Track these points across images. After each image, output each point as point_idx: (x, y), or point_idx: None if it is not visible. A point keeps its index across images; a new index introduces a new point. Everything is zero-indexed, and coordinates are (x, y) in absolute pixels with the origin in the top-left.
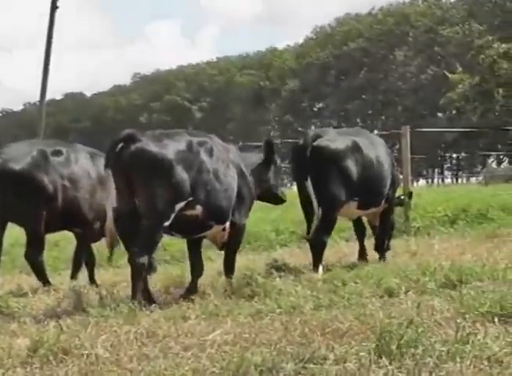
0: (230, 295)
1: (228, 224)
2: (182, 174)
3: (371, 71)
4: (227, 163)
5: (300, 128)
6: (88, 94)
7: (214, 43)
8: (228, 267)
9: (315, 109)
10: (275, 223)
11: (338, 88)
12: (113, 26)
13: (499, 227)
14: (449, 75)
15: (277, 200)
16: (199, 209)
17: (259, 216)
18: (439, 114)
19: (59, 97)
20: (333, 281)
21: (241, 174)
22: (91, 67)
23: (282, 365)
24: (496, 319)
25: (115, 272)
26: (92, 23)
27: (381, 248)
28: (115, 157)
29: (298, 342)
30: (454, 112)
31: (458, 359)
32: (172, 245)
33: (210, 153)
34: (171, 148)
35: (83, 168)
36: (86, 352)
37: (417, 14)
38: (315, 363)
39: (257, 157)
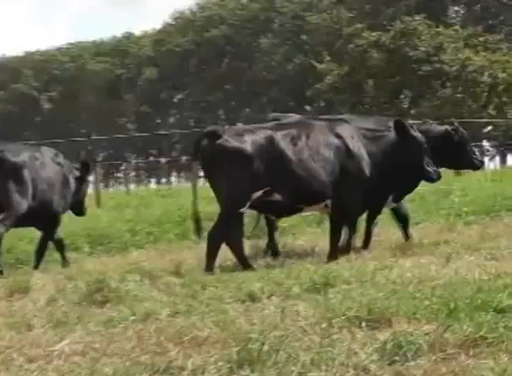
0: (80, 301)
1: (328, 202)
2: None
3: (235, 60)
4: (319, 146)
5: (158, 121)
6: None
7: (68, 29)
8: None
9: (175, 100)
10: (131, 223)
11: (200, 78)
12: None
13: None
14: (317, 65)
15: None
16: (278, 196)
17: (113, 215)
18: (307, 107)
19: None
20: (192, 285)
21: (347, 154)
22: None
23: None
24: (364, 325)
25: None
26: None
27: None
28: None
29: (153, 352)
30: (322, 104)
31: (323, 367)
32: (17, 247)
33: (293, 140)
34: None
35: None
36: None
37: None
38: (171, 374)
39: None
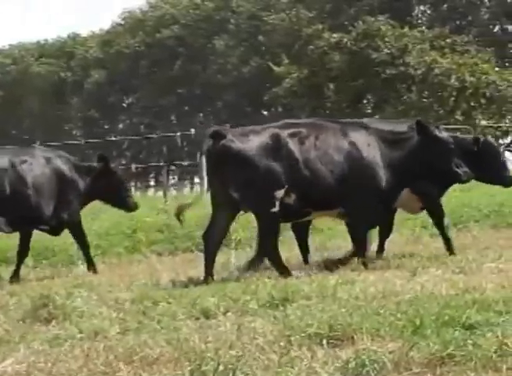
0: (24, 318)
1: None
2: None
3: (188, 62)
4: (334, 149)
5: (106, 126)
6: None
7: (9, 29)
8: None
9: (125, 104)
10: None
11: (151, 81)
12: None
13: (330, 238)
14: (275, 68)
15: None
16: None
17: None
18: (264, 112)
19: None
20: (143, 301)
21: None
22: None
23: None
24: (325, 342)
25: None
26: None
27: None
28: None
29: (101, 372)
30: (280, 109)
31: None
32: None
33: (303, 142)
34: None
35: None
36: None
37: None
38: None
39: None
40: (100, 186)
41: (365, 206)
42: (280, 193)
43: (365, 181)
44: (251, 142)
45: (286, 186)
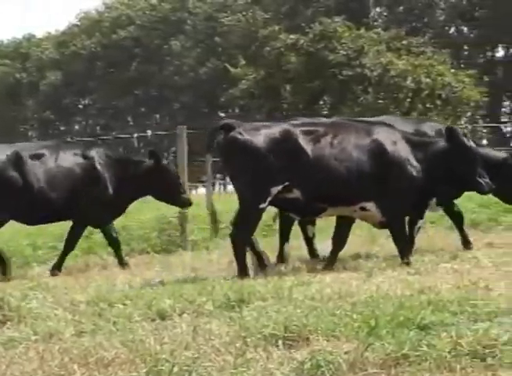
0: None
1: (367, 205)
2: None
3: (144, 63)
4: (349, 146)
5: (62, 128)
6: None
7: None
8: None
9: (81, 106)
10: (33, 237)
11: (107, 83)
12: None
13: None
14: (231, 69)
15: None
16: (298, 193)
17: (14, 228)
18: (221, 113)
19: None
20: (98, 303)
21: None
22: None
23: None
24: (281, 343)
25: None
26: None
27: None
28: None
29: (56, 374)
30: (237, 110)
31: None
32: None
33: (318, 139)
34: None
35: None
36: None
37: (196, 0)
38: None
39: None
40: (151, 183)
41: (393, 201)
42: (276, 190)
43: (390, 177)
44: (259, 136)
45: (287, 183)
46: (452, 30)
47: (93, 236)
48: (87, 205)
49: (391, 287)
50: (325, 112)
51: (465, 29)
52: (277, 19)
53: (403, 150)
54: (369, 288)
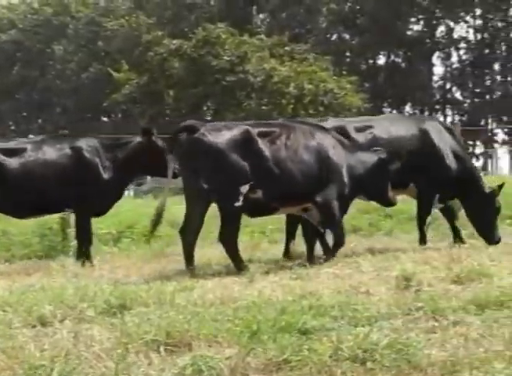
0: None
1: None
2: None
3: (26, 67)
4: (304, 147)
5: None
6: None
7: None
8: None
9: None
10: None
11: None
12: None
13: (168, 245)
14: (114, 74)
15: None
16: (259, 192)
17: None
18: (104, 118)
19: None
20: None
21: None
22: None
23: None
24: (162, 349)
25: None
26: None
27: None
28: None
29: None
30: (120, 115)
31: None
32: None
33: (274, 140)
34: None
35: None
36: None
37: (78, 4)
38: None
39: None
40: (146, 161)
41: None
42: (245, 188)
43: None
44: (223, 136)
45: (251, 182)
46: (335, 36)
47: None
48: (82, 195)
49: (273, 292)
50: (208, 117)
51: (347, 36)
52: (161, 25)
53: (342, 154)
54: (251, 293)
